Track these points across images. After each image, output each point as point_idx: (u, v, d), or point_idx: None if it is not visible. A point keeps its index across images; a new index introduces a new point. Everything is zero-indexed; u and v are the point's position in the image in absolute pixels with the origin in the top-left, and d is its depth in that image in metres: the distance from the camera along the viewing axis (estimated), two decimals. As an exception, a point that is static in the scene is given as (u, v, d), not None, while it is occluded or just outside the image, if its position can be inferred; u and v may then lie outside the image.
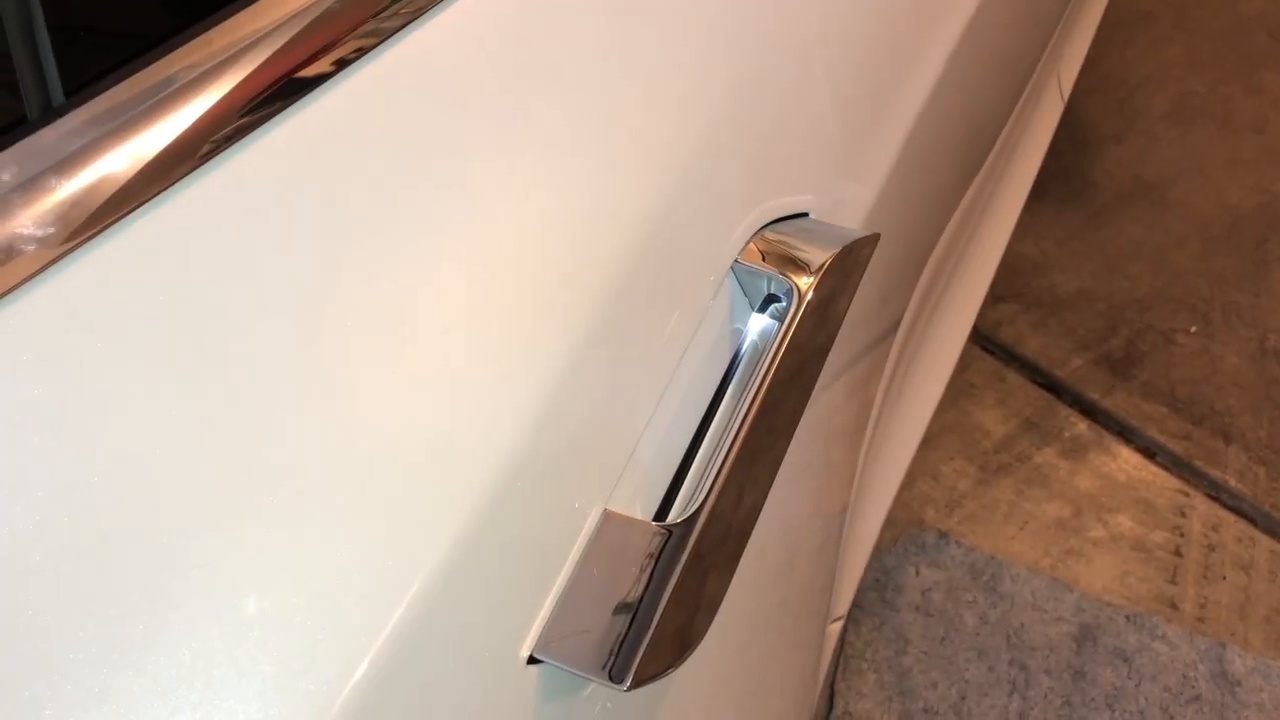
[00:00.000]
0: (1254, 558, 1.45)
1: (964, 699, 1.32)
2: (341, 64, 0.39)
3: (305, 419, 0.34)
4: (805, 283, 0.46)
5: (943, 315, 1.23)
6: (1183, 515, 1.50)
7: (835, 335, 0.49)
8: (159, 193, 0.34)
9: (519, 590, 0.37)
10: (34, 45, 0.33)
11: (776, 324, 0.46)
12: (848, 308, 0.50)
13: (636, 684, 0.36)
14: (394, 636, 0.32)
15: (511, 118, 0.42)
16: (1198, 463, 1.56)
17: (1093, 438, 1.60)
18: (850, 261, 0.49)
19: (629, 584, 0.38)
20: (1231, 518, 1.49)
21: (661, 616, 0.37)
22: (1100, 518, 1.50)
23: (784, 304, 0.46)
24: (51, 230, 0.32)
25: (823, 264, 0.46)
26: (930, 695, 1.32)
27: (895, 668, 1.35)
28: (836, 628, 1.06)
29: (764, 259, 0.47)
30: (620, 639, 0.37)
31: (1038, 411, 1.63)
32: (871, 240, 0.51)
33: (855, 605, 1.39)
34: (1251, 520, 1.49)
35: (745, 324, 0.47)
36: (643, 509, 0.42)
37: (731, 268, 0.47)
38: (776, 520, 0.59)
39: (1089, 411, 1.63)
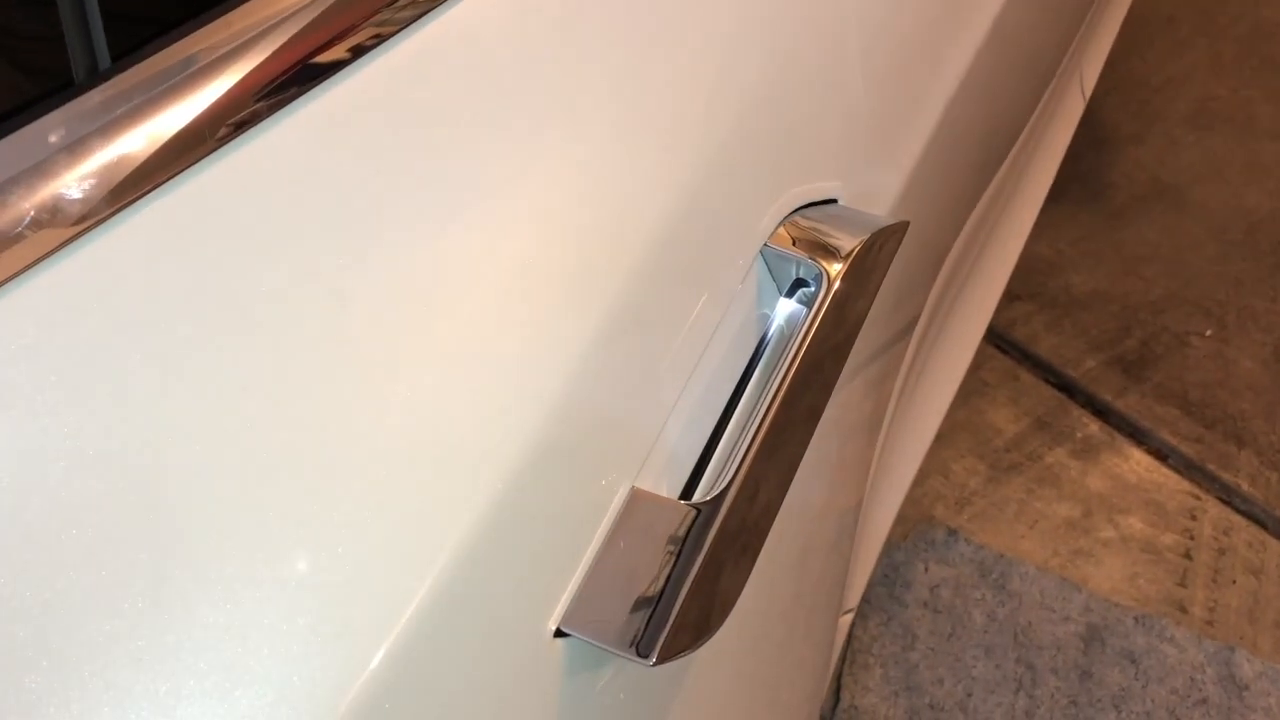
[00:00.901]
0: (1264, 562, 1.45)
1: (970, 696, 1.32)
2: (358, 50, 0.39)
3: (337, 397, 0.34)
4: (835, 268, 0.46)
5: (959, 313, 1.23)
6: (1193, 518, 1.50)
7: (863, 321, 0.49)
8: (174, 175, 0.34)
9: (548, 564, 0.37)
10: (84, 13, 0.33)
11: (804, 309, 0.46)
12: (875, 294, 0.50)
13: (662, 659, 0.36)
14: (426, 604, 0.32)
15: (538, 103, 0.42)
16: (1210, 466, 1.55)
17: (1105, 439, 1.59)
18: (879, 248, 0.49)
19: (656, 560, 0.38)
20: (1243, 521, 1.49)
21: (688, 593, 0.37)
22: (1110, 519, 1.50)
23: (812, 289, 0.46)
24: (90, 195, 0.33)
25: (852, 250, 0.46)
26: (936, 691, 1.33)
27: (902, 663, 1.35)
28: (846, 620, 1.06)
29: (794, 244, 0.47)
30: (647, 614, 0.37)
31: (1050, 411, 1.63)
32: (901, 228, 0.51)
33: (863, 600, 1.39)
34: (1262, 524, 1.49)
35: (773, 308, 0.48)
36: (669, 488, 0.42)
37: (760, 251, 0.47)
38: (793, 514, 0.59)
39: (1101, 412, 1.63)
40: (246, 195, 0.36)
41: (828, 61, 0.54)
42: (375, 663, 0.31)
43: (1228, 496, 1.52)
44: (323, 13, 0.38)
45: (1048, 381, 1.68)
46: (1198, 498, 1.52)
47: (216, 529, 0.31)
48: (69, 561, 0.29)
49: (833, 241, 0.47)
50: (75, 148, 0.33)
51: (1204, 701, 1.31)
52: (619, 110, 0.44)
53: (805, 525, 0.64)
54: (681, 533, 0.39)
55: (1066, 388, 1.67)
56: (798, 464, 0.45)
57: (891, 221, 0.50)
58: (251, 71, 0.36)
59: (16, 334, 0.31)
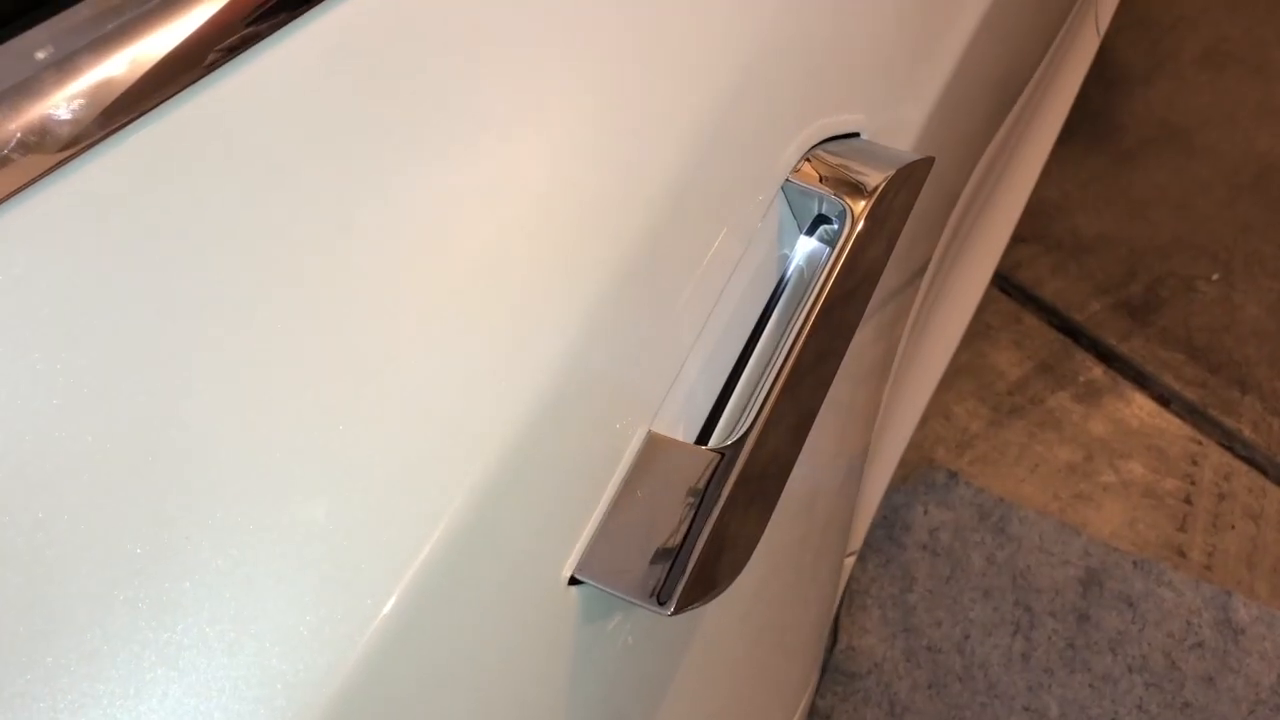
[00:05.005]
0: (1264, 508, 1.45)
1: (968, 638, 1.33)
2: None
3: (344, 340, 0.32)
4: (860, 205, 0.44)
5: (968, 254, 1.21)
6: (1194, 463, 1.50)
7: (888, 259, 0.47)
8: (159, 103, 0.32)
9: (562, 510, 0.36)
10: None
11: (826, 247, 0.45)
12: (900, 232, 0.48)
13: (680, 609, 0.35)
14: (438, 551, 0.31)
15: (556, 28, 0.40)
16: (1212, 411, 1.55)
17: (1108, 383, 1.58)
18: (905, 184, 0.47)
19: (674, 507, 0.37)
20: (1243, 467, 1.49)
21: (708, 541, 0.36)
22: (1112, 463, 1.49)
23: (835, 226, 0.44)
24: (79, 117, 0.31)
25: (878, 185, 0.44)
26: (934, 633, 1.33)
27: (900, 605, 1.35)
28: (850, 562, 1.06)
29: (820, 180, 0.45)
30: (666, 563, 0.36)
31: (1054, 355, 1.62)
32: (926, 163, 0.49)
33: (863, 542, 1.39)
34: (1263, 470, 1.49)
35: (793, 246, 0.46)
36: (685, 432, 0.41)
37: (782, 187, 0.45)
38: (802, 458, 0.58)
39: (1105, 356, 1.62)
40: (239, 121, 0.34)
41: (852, -12, 0.52)
42: (387, 609, 0.30)
43: (1229, 442, 1.52)
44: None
45: (1052, 325, 1.66)
46: (1199, 443, 1.52)
47: (220, 472, 0.29)
48: (65, 504, 0.28)
49: (858, 177, 0.45)
50: (64, 64, 0.31)
51: (1200, 645, 1.31)
52: (639, 39, 0.42)
53: (813, 471, 0.63)
54: (701, 479, 0.37)
55: (1071, 331, 1.65)
56: (818, 409, 0.44)
57: (917, 157, 0.48)
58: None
59: (6, 264, 0.29)
